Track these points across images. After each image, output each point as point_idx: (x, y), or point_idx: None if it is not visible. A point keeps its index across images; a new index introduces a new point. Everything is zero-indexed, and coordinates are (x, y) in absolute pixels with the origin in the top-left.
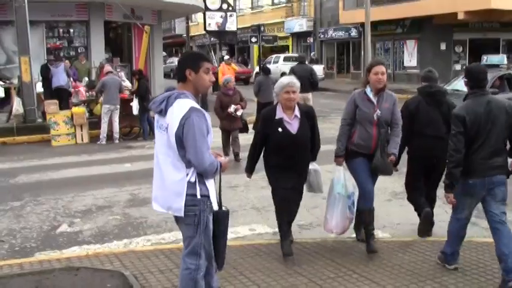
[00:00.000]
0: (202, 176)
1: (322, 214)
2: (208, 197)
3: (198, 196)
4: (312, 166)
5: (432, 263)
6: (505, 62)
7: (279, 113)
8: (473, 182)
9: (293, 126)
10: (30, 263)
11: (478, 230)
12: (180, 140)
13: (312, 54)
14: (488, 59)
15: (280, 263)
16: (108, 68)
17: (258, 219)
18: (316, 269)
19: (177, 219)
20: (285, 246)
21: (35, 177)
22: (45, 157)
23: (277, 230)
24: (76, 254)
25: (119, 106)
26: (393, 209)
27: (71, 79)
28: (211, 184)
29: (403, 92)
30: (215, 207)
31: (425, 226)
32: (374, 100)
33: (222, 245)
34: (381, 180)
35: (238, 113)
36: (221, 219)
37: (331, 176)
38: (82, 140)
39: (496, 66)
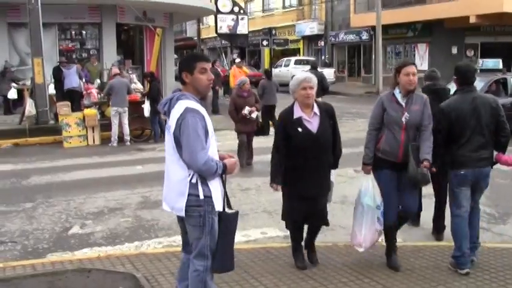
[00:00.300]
0: (204, 177)
1: (333, 218)
2: (210, 197)
3: (201, 197)
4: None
5: (444, 268)
6: (500, 66)
7: (297, 112)
8: (464, 173)
9: (313, 124)
10: (42, 264)
11: (491, 236)
12: (178, 141)
13: (324, 57)
14: (484, 63)
15: (291, 267)
16: (115, 70)
17: (270, 223)
18: (328, 273)
19: (182, 219)
20: (298, 260)
21: (47, 179)
22: (57, 158)
23: (288, 233)
24: (88, 255)
25: (127, 108)
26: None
27: (83, 81)
28: (215, 185)
29: None
30: (218, 208)
31: None
32: (403, 102)
33: (228, 247)
34: None
35: (253, 115)
36: (225, 220)
37: (344, 181)
38: (93, 142)
39: (492, 70)
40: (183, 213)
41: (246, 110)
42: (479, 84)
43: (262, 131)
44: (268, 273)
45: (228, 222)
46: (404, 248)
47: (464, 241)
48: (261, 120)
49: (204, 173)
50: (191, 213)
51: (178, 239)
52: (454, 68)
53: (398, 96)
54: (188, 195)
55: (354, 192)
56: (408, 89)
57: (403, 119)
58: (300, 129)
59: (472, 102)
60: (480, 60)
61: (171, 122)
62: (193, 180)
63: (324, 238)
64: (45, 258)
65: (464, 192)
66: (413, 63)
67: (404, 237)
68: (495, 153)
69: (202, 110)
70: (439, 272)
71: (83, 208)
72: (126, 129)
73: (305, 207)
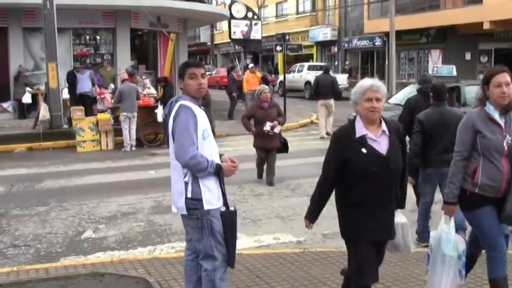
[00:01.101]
0: (196, 177)
1: None
2: (201, 200)
3: (189, 196)
4: (398, 217)
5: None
6: (454, 73)
7: (360, 129)
8: (430, 171)
9: (381, 145)
10: (55, 268)
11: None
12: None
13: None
14: (438, 70)
15: (304, 272)
16: (123, 75)
17: (282, 228)
18: (341, 279)
19: (184, 222)
20: None
21: (60, 183)
22: (71, 163)
23: (301, 239)
24: (101, 260)
25: (136, 113)
26: (416, 220)
27: (95, 86)
28: (208, 185)
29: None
30: (206, 207)
31: None
32: (501, 122)
33: (228, 244)
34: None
35: (276, 130)
36: (227, 220)
37: None
38: (107, 147)
39: (447, 77)
40: (185, 211)
41: (268, 126)
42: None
43: (286, 148)
44: (280, 278)
45: (225, 220)
46: (415, 253)
47: (426, 220)
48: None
49: (191, 168)
50: (190, 215)
51: None
52: (431, 86)
53: (495, 114)
54: (185, 196)
55: None
56: (502, 104)
57: (505, 144)
58: (364, 150)
59: (442, 114)
60: (435, 67)
61: (170, 122)
62: (186, 179)
63: (337, 244)
64: (58, 262)
65: (429, 187)
66: (506, 70)
67: (415, 242)
68: None
69: (196, 109)
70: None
71: (96, 212)
72: (133, 134)
73: (376, 258)
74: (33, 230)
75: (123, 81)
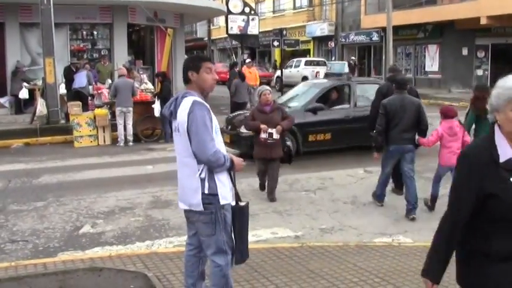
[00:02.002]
0: (212, 173)
1: (344, 218)
2: (217, 195)
3: (206, 191)
4: None
5: (454, 268)
6: (346, 70)
7: (505, 149)
8: (392, 149)
9: None
10: (54, 263)
11: None
12: (190, 135)
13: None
14: (332, 66)
15: (302, 266)
16: (122, 71)
17: (280, 223)
18: (339, 273)
19: (190, 217)
20: None
21: (58, 178)
22: (68, 158)
23: (299, 233)
24: (99, 254)
25: (131, 108)
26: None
27: (91, 84)
28: (223, 180)
29: (424, 97)
30: (222, 202)
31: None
32: None
33: (244, 238)
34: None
35: (275, 136)
36: (239, 213)
37: (355, 181)
38: (104, 142)
39: (339, 74)
40: (201, 208)
41: (264, 134)
42: (313, 91)
43: (290, 158)
44: (279, 272)
45: (242, 214)
46: (414, 248)
47: (384, 186)
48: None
49: (212, 164)
50: (205, 209)
51: None
52: (397, 79)
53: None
54: (201, 192)
55: (363, 192)
56: None
57: None
58: None
59: (402, 100)
60: (329, 64)
61: (181, 119)
62: (202, 175)
63: (334, 238)
64: (56, 257)
65: (390, 162)
66: None
67: (414, 237)
68: (417, 137)
69: (207, 105)
70: (450, 272)
71: (93, 207)
72: (130, 129)
73: None
74: (31, 225)
75: (120, 76)
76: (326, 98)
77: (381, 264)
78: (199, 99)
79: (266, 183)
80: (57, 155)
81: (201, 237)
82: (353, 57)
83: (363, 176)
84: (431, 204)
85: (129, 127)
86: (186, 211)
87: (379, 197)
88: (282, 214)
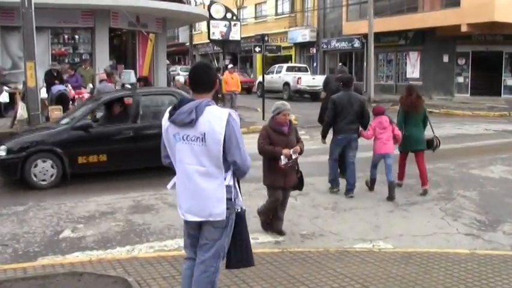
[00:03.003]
0: (234, 180)
1: (324, 224)
2: (236, 200)
3: (232, 199)
4: None
5: (435, 274)
6: (133, 79)
7: None
8: (340, 138)
9: None
10: (33, 268)
11: (481, 242)
12: (224, 145)
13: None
14: (125, 74)
15: (283, 272)
16: (102, 76)
17: (261, 229)
18: (319, 279)
19: (199, 225)
20: None
21: None
22: None
23: (280, 239)
24: (79, 259)
25: None
26: (395, 220)
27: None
28: (237, 187)
29: None
30: (237, 208)
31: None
32: None
33: (247, 242)
34: (383, 192)
35: (294, 156)
36: (243, 218)
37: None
38: None
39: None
40: (224, 217)
41: (284, 160)
42: (88, 105)
43: (301, 183)
44: (259, 278)
45: (244, 219)
46: (395, 254)
47: (335, 171)
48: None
49: (246, 174)
50: (225, 218)
51: (169, 243)
52: (342, 78)
53: None
54: (226, 199)
55: (344, 198)
56: None
57: None
58: None
59: (349, 96)
60: (122, 72)
61: (210, 128)
62: (230, 183)
63: (315, 244)
64: (36, 262)
65: (337, 149)
66: None
67: (394, 243)
68: (360, 128)
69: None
70: (430, 277)
71: (74, 212)
72: None
73: None
74: (10, 229)
75: (101, 81)
76: (109, 113)
77: (361, 270)
78: (229, 109)
79: (272, 217)
80: None
81: (204, 240)
82: (340, 64)
83: (344, 182)
84: (370, 186)
85: None
86: (197, 222)
87: (332, 180)
88: None
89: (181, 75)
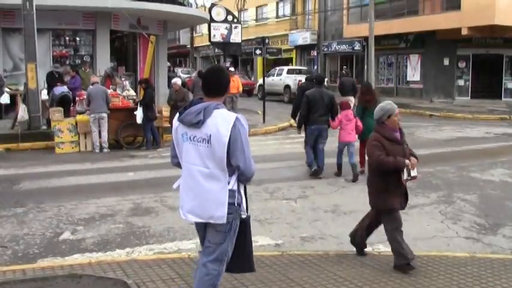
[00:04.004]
0: (239, 185)
1: (324, 227)
2: (240, 205)
3: (236, 204)
4: None
5: (434, 277)
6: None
7: None
8: (313, 128)
9: None
10: (33, 270)
11: (481, 246)
12: (229, 148)
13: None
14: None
15: (282, 275)
16: (93, 78)
17: (261, 231)
18: (318, 282)
19: (204, 227)
20: None
21: (39, 184)
22: (49, 164)
23: (279, 242)
24: (78, 261)
25: (105, 115)
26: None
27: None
28: (242, 192)
29: (406, 107)
30: (242, 214)
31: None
32: None
33: (250, 247)
34: None
35: (414, 174)
36: (247, 223)
37: (336, 190)
38: (86, 148)
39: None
40: (224, 220)
41: (406, 175)
42: None
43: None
44: (258, 281)
45: (249, 225)
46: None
47: (311, 155)
48: None
49: (250, 180)
50: (225, 221)
51: (169, 246)
52: (314, 78)
53: None
54: (228, 203)
55: (344, 201)
56: None
57: None
58: None
59: (320, 92)
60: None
61: (216, 130)
62: (234, 187)
63: (315, 247)
64: (35, 264)
65: (311, 137)
66: None
67: None
68: (330, 119)
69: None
70: (429, 280)
71: (74, 214)
72: (104, 136)
73: None
74: (10, 231)
75: (92, 84)
76: None
77: (361, 273)
78: (237, 114)
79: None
80: (38, 161)
81: (207, 243)
82: (345, 67)
83: (344, 185)
84: (338, 171)
85: (103, 134)
86: (201, 223)
87: (310, 164)
88: (263, 222)
89: (179, 77)
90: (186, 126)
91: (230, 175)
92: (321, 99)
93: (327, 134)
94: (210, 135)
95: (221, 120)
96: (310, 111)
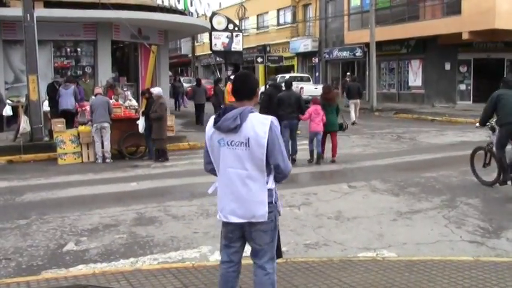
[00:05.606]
0: (274, 183)
1: (328, 233)
2: (277, 202)
3: (274, 202)
4: None
5: (438, 282)
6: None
7: None
8: (285, 122)
9: None
10: (37, 281)
11: (485, 249)
12: (267, 149)
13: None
14: None
15: (287, 282)
16: (97, 90)
17: None
18: None
19: (240, 228)
20: None
21: (42, 196)
22: (52, 175)
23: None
24: (83, 272)
25: (106, 124)
26: (399, 229)
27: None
28: (277, 190)
29: (408, 112)
30: (280, 209)
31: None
32: None
33: (279, 240)
34: (386, 200)
35: None
36: (278, 220)
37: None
38: (88, 159)
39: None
40: (266, 218)
41: None
42: None
43: None
44: None
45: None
46: (398, 262)
47: (287, 149)
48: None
49: (287, 177)
50: (268, 218)
51: (173, 255)
52: (284, 81)
53: None
54: (268, 202)
55: (348, 207)
56: None
57: None
58: None
59: (290, 94)
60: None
61: (253, 133)
62: (272, 186)
63: (319, 254)
64: (39, 275)
65: (286, 130)
66: None
67: (398, 252)
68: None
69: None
70: (433, 285)
71: (77, 225)
72: (107, 146)
73: None
74: (13, 243)
75: (96, 95)
76: None
77: (365, 279)
78: (273, 117)
79: None
80: (41, 173)
81: (257, 246)
82: (348, 73)
83: (347, 191)
84: (310, 158)
85: (106, 144)
86: (237, 225)
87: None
88: None
89: (158, 87)
90: (222, 132)
91: (268, 175)
92: (289, 99)
93: (297, 127)
94: (249, 139)
95: (258, 123)
96: (281, 109)
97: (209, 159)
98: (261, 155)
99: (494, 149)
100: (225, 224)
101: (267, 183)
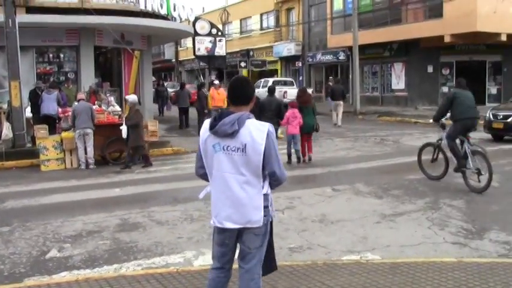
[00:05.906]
0: (269, 188)
1: (312, 237)
2: (270, 207)
3: (269, 206)
4: None
5: (422, 284)
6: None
7: None
8: None
9: None
10: None
11: (468, 251)
12: (263, 157)
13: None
14: None
15: (271, 286)
16: (80, 95)
17: None
18: None
19: (236, 234)
20: None
21: (24, 203)
22: (34, 182)
23: None
24: (66, 279)
25: (89, 130)
26: (383, 231)
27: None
28: (271, 194)
29: (391, 115)
30: (273, 214)
31: None
32: None
33: (272, 248)
34: (370, 203)
35: None
36: (272, 226)
37: (323, 200)
38: (71, 165)
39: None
40: (261, 223)
41: None
42: None
43: None
44: None
45: (272, 226)
46: (382, 264)
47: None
48: None
49: (282, 183)
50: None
51: (157, 260)
52: (268, 88)
53: None
54: (263, 206)
55: (332, 211)
56: None
57: None
58: None
59: (271, 100)
60: None
61: (249, 140)
62: (268, 191)
63: (303, 257)
64: (22, 283)
65: None
66: None
67: (382, 254)
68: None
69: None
70: (418, 287)
71: (60, 231)
72: (90, 152)
73: None
74: None
75: (78, 100)
76: None
77: (349, 282)
78: (270, 125)
79: None
80: (23, 179)
81: (246, 249)
82: (331, 77)
83: (330, 194)
84: (288, 160)
85: (89, 150)
86: (233, 231)
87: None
88: None
89: (133, 95)
90: (218, 137)
91: (264, 180)
92: (270, 105)
93: (277, 132)
94: (245, 144)
95: (255, 130)
96: (262, 114)
97: (201, 164)
98: (258, 162)
99: (444, 142)
100: (220, 231)
101: (262, 188)
